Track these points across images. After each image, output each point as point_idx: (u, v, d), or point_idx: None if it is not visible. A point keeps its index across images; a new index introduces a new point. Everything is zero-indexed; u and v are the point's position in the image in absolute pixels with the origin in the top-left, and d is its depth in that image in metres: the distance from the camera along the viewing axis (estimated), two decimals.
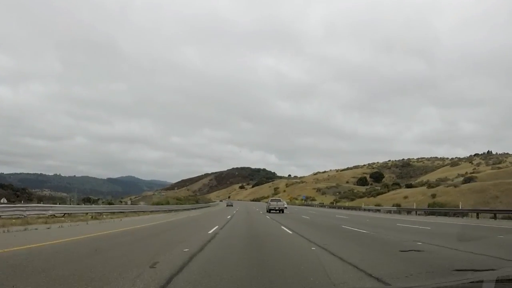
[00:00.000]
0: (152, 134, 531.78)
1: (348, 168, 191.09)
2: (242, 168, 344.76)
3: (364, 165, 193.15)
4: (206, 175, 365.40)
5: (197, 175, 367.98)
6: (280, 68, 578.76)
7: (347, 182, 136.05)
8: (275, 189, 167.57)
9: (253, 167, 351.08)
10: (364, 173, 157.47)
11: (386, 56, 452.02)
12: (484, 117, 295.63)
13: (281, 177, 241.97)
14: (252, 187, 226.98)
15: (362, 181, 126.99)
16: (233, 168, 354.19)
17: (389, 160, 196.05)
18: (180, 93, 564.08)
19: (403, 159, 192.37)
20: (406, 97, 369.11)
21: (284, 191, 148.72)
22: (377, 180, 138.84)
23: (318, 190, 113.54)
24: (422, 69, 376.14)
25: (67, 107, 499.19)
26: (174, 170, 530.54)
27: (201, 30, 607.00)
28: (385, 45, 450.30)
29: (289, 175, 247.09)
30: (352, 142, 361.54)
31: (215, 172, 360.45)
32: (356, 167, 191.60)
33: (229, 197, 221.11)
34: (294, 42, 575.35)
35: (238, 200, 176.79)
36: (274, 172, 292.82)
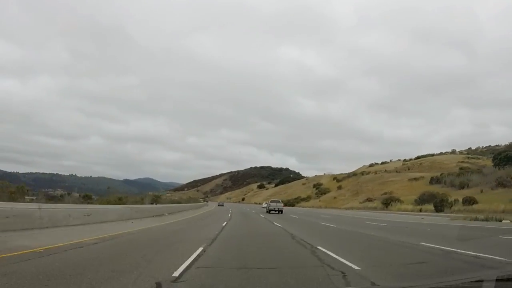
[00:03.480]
0: (168, 134, 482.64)
1: (418, 158, 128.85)
2: (262, 168, 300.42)
3: (447, 152, 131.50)
4: (221, 175, 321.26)
5: (211, 176, 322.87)
6: (304, 61, 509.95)
7: (461, 169, 72.30)
8: (316, 186, 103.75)
9: (273, 166, 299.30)
10: (468, 158, 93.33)
11: (422, 49, 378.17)
12: None
13: (304, 177, 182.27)
14: (276, 186, 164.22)
15: (501, 161, 63.33)
16: (250, 168, 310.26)
17: (488, 146, 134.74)
18: (196, 88, 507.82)
19: (496, 145, 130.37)
20: (438, 96, 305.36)
21: (339, 187, 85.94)
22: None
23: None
24: (460, 65, 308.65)
25: (79, 103, 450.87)
26: (192, 172, 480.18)
27: (218, 16, 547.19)
28: (422, 37, 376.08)
29: (316, 175, 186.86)
30: (376, 145, 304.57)
31: (230, 172, 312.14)
32: (430, 155, 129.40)
33: (243, 199, 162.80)
34: (321, 30, 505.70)
35: (255, 203, 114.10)
36: (298, 172, 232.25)
